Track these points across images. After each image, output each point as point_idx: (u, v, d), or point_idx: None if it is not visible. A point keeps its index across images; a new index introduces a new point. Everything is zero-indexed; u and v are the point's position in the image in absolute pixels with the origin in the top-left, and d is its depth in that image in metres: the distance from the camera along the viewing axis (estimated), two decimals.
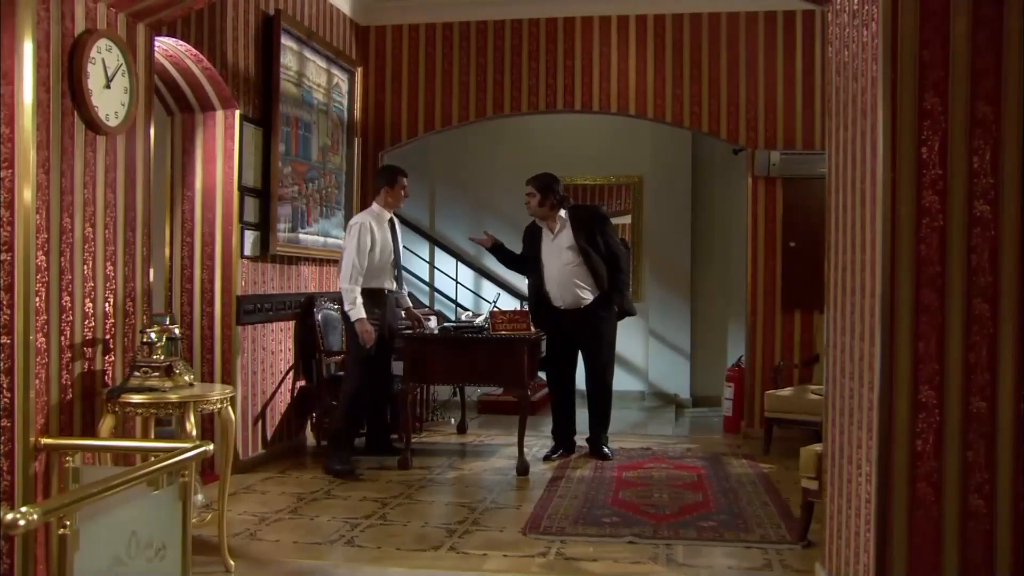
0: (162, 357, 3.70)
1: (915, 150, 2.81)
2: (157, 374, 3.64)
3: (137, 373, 3.64)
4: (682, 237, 9.55)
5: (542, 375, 7.17)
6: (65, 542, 2.38)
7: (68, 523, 2.40)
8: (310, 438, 6.91)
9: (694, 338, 9.59)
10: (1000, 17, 2.74)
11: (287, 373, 6.57)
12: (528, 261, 6.60)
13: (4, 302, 3.16)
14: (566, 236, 6.38)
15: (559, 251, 6.38)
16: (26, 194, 3.20)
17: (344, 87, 7.45)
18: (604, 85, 7.53)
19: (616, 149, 9.58)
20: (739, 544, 4.37)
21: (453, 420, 7.81)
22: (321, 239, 7.05)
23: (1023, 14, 2.72)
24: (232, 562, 3.88)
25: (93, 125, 3.60)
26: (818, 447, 4.12)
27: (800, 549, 4.27)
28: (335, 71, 7.26)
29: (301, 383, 6.78)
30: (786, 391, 6.72)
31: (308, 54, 6.74)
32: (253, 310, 6.03)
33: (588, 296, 6.35)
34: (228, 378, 5.75)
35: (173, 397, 3.62)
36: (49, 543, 3.35)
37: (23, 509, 2.21)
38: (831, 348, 3.65)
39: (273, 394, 6.37)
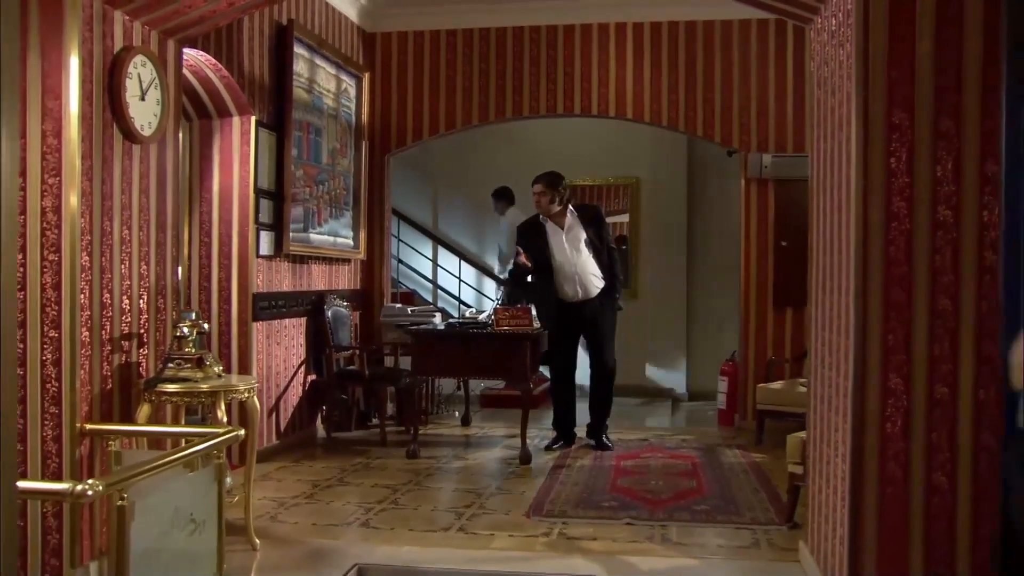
0: (193, 350, 3.98)
1: (884, 160, 3.10)
2: (189, 365, 3.93)
3: (171, 365, 3.93)
4: (678, 236, 9.84)
5: (543, 370, 7.46)
6: (123, 513, 2.67)
7: (125, 496, 2.69)
8: (320, 430, 7.19)
9: (690, 335, 9.88)
10: (960, 39, 3.03)
11: (299, 367, 6.86)
12: (538, 258, 6.67)
13: (53, 299, 3.44)
14: (580, 231, 6.66)
15: (575, 244, 6.64)
16: (72, 200, 3.48)
17: (352, 92, 7.73)
18: (603, 90, 7.82)
19: (615, 151, 9.87)
20: (730, 525, 4.67)
21: (457, 413, 8.09)
22: (331, 239, 7.33)
23: (981, 37, 3.00)
24: (257, 541, 4.17)
25: (130, 135, 3.89)
26: (803, 434, 4.41)
27: (786, 530, 4.56)
28: (343, 77, 7.54)
29: (312, 377, 7.06)
30: (777, 385, 7.01)
31: (318, 61, 7.02)
32: (268, 307, 6.32)
33: (599, 286, 6.66)
34: (245, 372, 6.04)
35: (204, 387, 3.91)
36: (93, 519, 3.64)
37: (90, 481, 2.50)
38: (814, 342, 3.94)
39: (286, 387, 6.66)
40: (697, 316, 9.90)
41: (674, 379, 9.88)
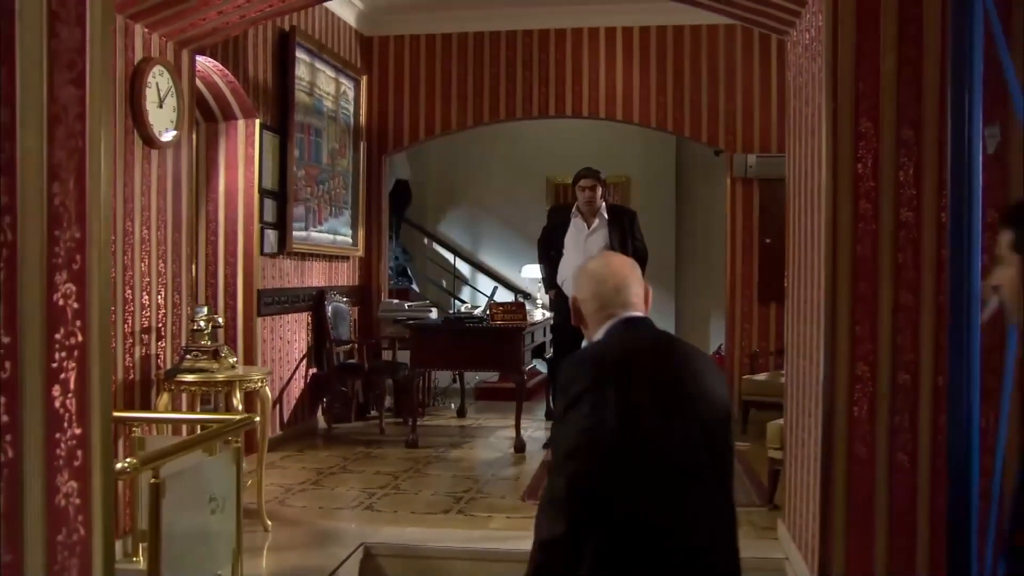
0: (209, 343, 4.24)
1: (852, 166, 3.37)
2: (206, 357, 4.19)
3: (188, 356, 4.18)
4: (667, 234, 10.11)
5: (536, 364, 7.73)
6: (157, 490, 2.92)
7: (159, 474, 2.94)
8: (321, 421, 7.44)
9: (678, 329, 10.15)
10: (920, 57, 3.30)
11: (301, 361, 7.11)
12: (550, 249, 6.65)
13: None
14: (602, 235, 6.44)
15: (593, 248, 6.38)
16: None
17: (351, 94, 7.98)
18: (593, 92, 8.08)
19: (605, 151, 10.08)
20: None
21: (453, 405, 8.36)
22: (330, 237, 7.59)
23: (939, 54, 3.27)
24: (269, 522, 4.43)
25: (149, 141, 4.14)
26: (782, 421, 4.69)
27: (766, 511, 4.84)
28: (342, 80, 7.79)
29: (313, 371, 7.31)
30: (761, 376, 7.29)
31: (319, 65, 7.27)
32: (271, 302, 6.57)
33: None
34: (250, 364, 6.28)
35: (220, 377, 4.17)
36: (117, 500, 3.89)
37: (128, 460, 2.75)
38: (790, 334, 4.22)
39: (289, 380, 6.91)
40: (685, 311, 10.19)
41: None
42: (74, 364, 1.37)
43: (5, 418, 1.24)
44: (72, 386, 1.37)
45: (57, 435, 1.31)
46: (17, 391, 1.26)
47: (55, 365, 1.30)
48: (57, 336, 1.31)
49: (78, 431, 1.38)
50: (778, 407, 6.91)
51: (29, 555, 1.28)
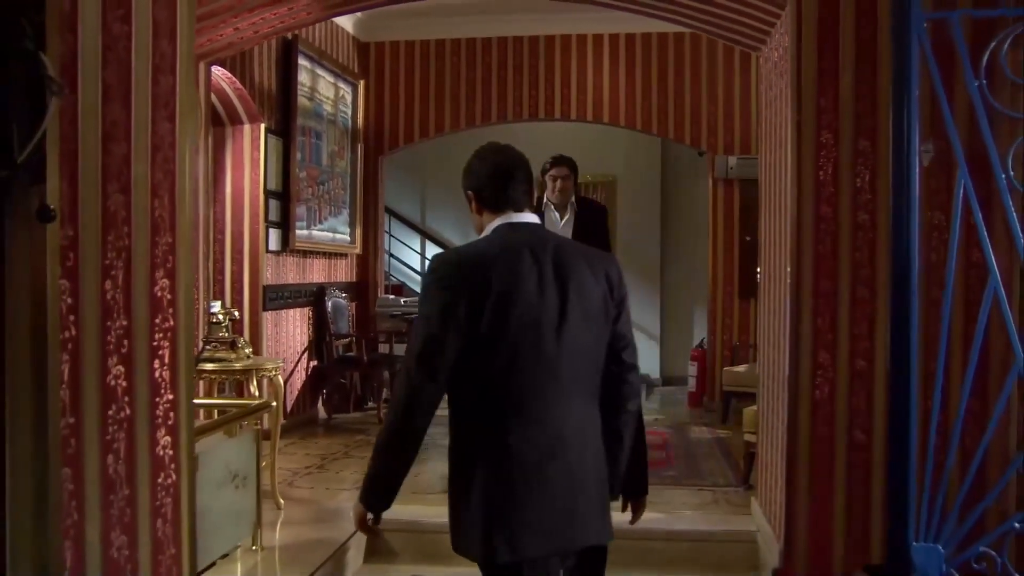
0: (227, 334, 4.58)
1: (814, 173, 3.74)
2: (224, 348, 4.53)
3: (208, 347, 4.52)
4: (652, 232, 10.48)
5: None
6: (192, 465, 3.26)
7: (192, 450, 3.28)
8: (321, 412, 7.78)
9: (663, 324, 10.54)
10: (875, 75, 3.67)
11: (302, 354, 7.45)
12: None
13: None
14: (569, 226, 6.00)
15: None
16: None
17: (348, 98, 8.32)
18: (581, 96, 8.44)
19: (592, 151, 10.43)
20: (693, 487, 5.32)
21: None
22: (330, 235, 7.92)
23: (891, 74, 3.64)
24: (282, 501, 4.78)
25: None
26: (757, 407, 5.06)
27: (742, 491, 5.22)
28: (341, 84, 8.12)
29: (314, 363, 7.65)
30: (741, 368, 7.67)
31: (319, 71, 7.60)
32: (275, 298, 6.91)
33: None
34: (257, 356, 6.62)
35: (238, 366, 4.51)
36: None
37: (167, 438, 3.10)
38: (763, 327, 4.59)
39: (291, 372, 7.25)
40: (669, 305, 10.56)
41: (648, 365, 10.51)
42: (168, 343, 1.71)
43: (124, 383, 1.58)
44: (167, 360, 1.71)
45: (157, 399, 1.63)
46: (132, 363, 1.59)
47: (155, 343, 1.62)
48: (156, 320, 1.63)
49: (171, 396, 1.72)
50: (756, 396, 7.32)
51: (140, 493, 1.61)
